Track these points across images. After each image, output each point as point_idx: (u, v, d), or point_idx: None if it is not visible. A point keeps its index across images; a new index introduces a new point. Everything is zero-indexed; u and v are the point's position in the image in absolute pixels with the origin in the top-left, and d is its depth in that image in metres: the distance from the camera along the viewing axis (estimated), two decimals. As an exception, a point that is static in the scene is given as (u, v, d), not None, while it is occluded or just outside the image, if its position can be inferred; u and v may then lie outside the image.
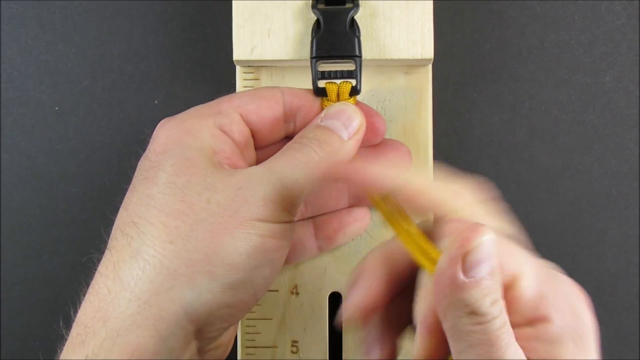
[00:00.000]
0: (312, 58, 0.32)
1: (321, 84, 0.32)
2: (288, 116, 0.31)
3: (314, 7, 0.32)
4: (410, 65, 0.34)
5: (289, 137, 0.31)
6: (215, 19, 0.38)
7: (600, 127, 0.38)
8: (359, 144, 0.30)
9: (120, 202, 0.38)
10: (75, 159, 0.38)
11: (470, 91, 0.38)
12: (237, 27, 0.33)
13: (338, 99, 0.32)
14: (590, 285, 0.37)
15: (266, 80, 0.35)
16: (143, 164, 0.29)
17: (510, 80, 0.38)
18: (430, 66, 0.35)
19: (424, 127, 0.35)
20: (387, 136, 0.34)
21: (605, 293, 0.37)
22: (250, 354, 0.34)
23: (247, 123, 0.30)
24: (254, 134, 0.30)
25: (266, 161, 0.28)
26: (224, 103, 0.30)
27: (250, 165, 0.30)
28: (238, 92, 0.31)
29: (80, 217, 0.38)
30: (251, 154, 0.30)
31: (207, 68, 0.38)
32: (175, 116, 0.29)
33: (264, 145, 0.31)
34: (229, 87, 0.38)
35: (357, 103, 0.32)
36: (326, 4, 0.32)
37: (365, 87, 0.34)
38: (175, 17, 0.38)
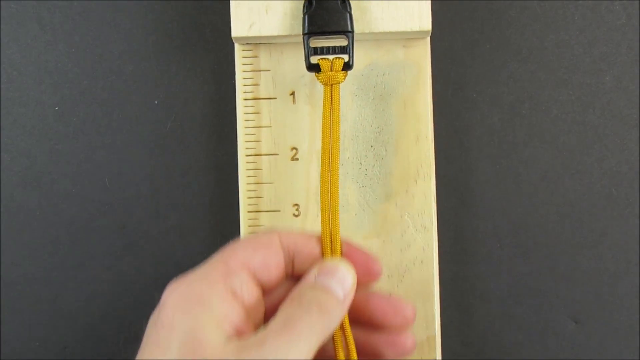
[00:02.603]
0: (304, 34, 0.32)
1: (314, 60, 0.32)
2: (287, 260, 0.30)
3: None
4: (408, 39, 0.35)
5: (287, 278, 0.31)
6: (215, 19, 0.38)
7: (600, 127, 0.38)
8: (352, 299, 0.30)
9: (119, 202, 0.38)
10: (75, 159, 0.38)
11: (470, 91, 0.38)
12: (235, 5, 0.33)
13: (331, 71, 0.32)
14: (590, 285, 0.37)
15: (265, 57, 0.35)
16: (151, 332, 0.28)
17: (510, 80, 0.38)
18: (428, 39, 0.35)
19: (423, 100, 0.35)
20: (386, 108, 0.35)
21: (605, 293, 0.37)
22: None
23: (255, 275, 0.29)
24: (261, 285, 0.30)
25: (273, 338, 0.27)
26: (231, 260, 0.29)
27: (258, 323, 0.30)
28: (241, 242, 0.30)
29: (80, 217, 0.38)
30: (260, 310, 0.30)
31: (207, 68, 0.38)
32: (184, 278, 0.29)
33: (270, 291, 0.31)
34: (229, 87, 0.38)
35: (350, 246, 0.31)
36: None
37: (364, 61, 0.35)
38: (175, 17, 0.38)
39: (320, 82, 0.32)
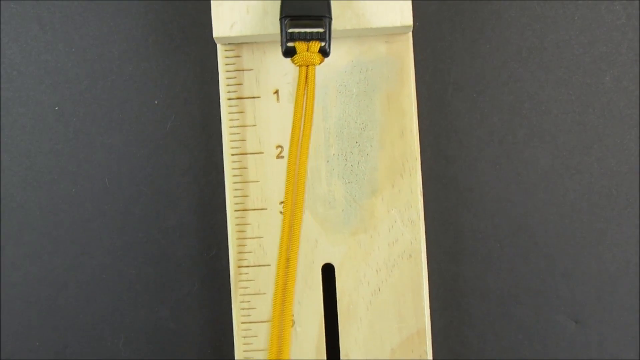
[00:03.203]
0: (281, 18, 0.32)
1: (290, 45, 0.32)
2: None
3: None
4: (390, 34, 0.35)
5: None
6: (215, 19, 0.38)
7: (600, 127, 0.38)
8: None
9: (119, 202, 0.38)
10: (75, 159, 0.38)
11: (470, 91, 0.38)
12: (215, 5, 0.34)
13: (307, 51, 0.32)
14: (590, 285, 0.37)
15: (248, 56, 0.35)
16: None
17: (510, 80, 0.38)
18: (410, 34, 0.35)
19: (407, 95, 0.35)
20: (370, 104, 0.35)
21: (605, 293, 0.37)
22: (246, 329, 0.35)
23: None
24: None
25: None
26: None
27: None
28: None
29: (80, 217, 0.38)
30: None
31: (208, 68, 0.38)
32: None
33: None
34: (229, 87, 0.38)
35: None
36: None
37: (346, 58, 0.35)
38: (175, 17, 0.38)
39: (295, 64, 0.32)
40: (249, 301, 0.35)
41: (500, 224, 0.38)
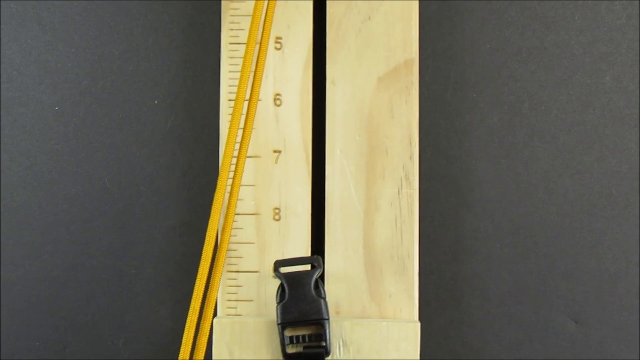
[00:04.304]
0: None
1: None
2: None
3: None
4: None
5: None
6: (215, 19, 0.38)
7: (600, 127, 0.38)
8: None
9: (119, 202, 0.38)
10: (75, 159, 0.38)
11: (470, 91, 0.38)
12: None
13: None
14: (590, 285, 0.37)
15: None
16: None
17: (510, 80, 0.38)
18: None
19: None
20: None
21: (605, 293, 0.37)
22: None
23: None
24: None
25: None
26: None
27: None
28: None
29: (80, 217, 0.38)
30: None
31: (208, 68, 0.38)
32: None
33: None
34: (229, 87, 0.38)
35: None
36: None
37: None
38: (175, 17, 0.38)
39: None
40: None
41: (500, 224, 0.38)
